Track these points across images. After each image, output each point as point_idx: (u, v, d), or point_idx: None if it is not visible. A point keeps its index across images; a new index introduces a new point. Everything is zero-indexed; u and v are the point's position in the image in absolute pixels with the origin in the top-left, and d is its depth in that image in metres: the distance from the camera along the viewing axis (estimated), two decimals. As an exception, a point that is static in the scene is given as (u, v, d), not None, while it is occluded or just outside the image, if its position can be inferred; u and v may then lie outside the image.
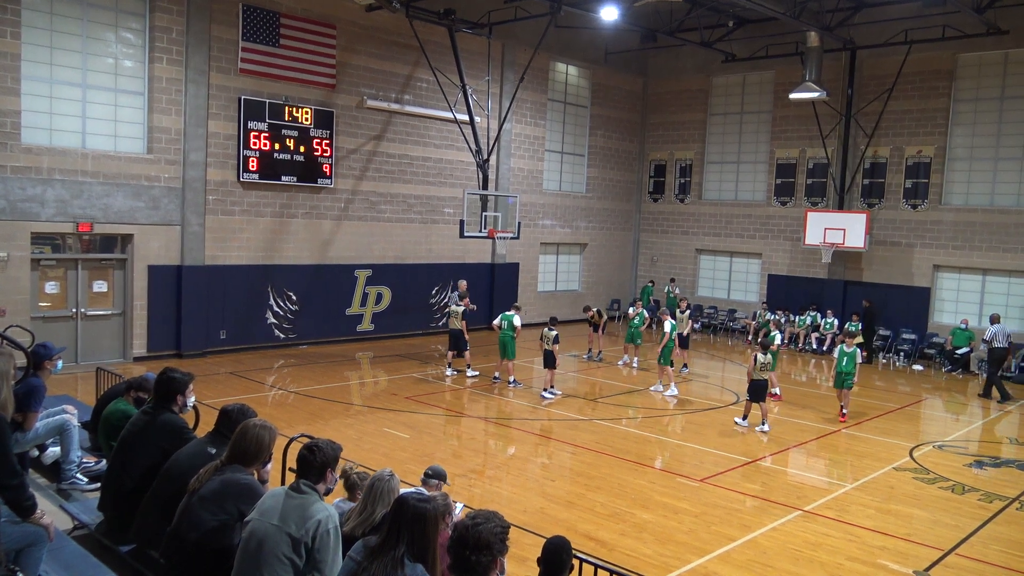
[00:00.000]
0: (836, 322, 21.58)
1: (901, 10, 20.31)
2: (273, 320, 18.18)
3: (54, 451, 7.74)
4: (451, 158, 21.43)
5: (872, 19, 21.04)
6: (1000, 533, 8.89)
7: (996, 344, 16.90)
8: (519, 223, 19.29)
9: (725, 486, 10.12)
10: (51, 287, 15.11)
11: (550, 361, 14.80)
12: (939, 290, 21.55)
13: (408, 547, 3.83)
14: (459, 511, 5.59)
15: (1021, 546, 8.54)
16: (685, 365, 17.92)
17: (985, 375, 17.03)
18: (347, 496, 5.54)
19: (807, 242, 22.56)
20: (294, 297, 18.47)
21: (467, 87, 18.87)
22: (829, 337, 21.51)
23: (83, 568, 5.41)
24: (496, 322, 15.93)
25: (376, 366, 17.52)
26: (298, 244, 18.47)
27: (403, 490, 4.45)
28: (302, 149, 18.05)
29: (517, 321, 15.63)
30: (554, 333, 14.77)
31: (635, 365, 18.31)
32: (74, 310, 15.37)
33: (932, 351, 20.64)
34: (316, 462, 4.41)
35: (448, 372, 16.38)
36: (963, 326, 19.63)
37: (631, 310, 19.07)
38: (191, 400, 6.33)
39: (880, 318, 21.38)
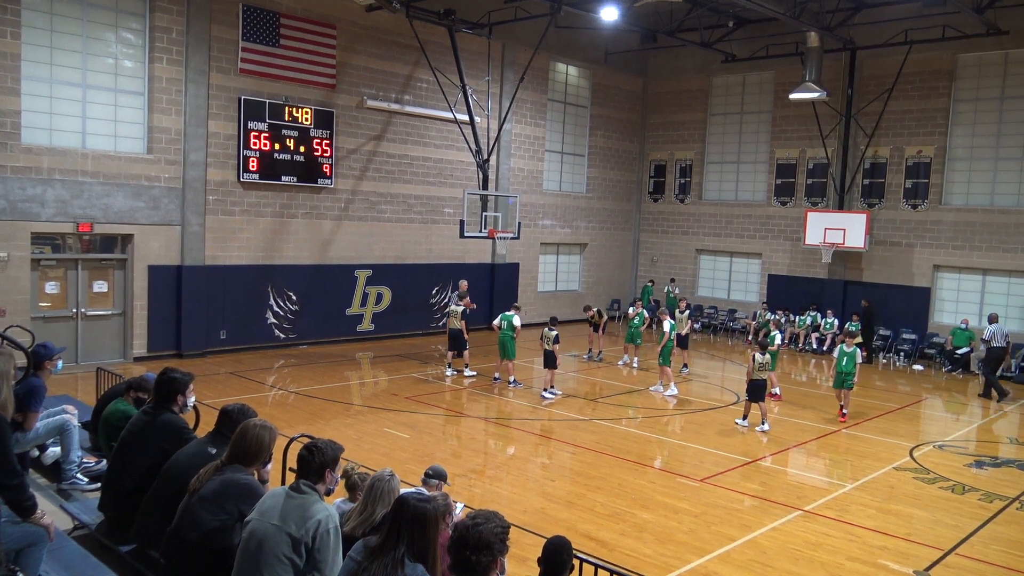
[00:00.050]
0: (836, 322, 21.58)
1: (901, 10, 20.31)
2: (273, 320, 18.18)
3: (54, 451, 7.74)
4: (451, 158, 21.43)
5: (872, 19, 21.04)
6: (1000, 533, 8.89)
7: (995, 344, 16.93)
8: (519, 223, 19.29)
9: (725, 486, 10.12)
10: (51, 287, 15.11)
11: (550, 361, 14.80)
12: (939, 290, 21.55)
13: (408, 547, 3.83)
14: (459, 511, 5.59)
15: (1021, 546, 8.54)
16: (685, 365, 17.93)
17: (991, 377, 17.01)
18: (348, 496, 5.54)
19: (807, 242, 22.57)
20: (294, 297, 18.47)
21: (467, 87, 18.87)
22: (829, 337, 21.50)
23: (83, 568, 5.41)
24: (496, 322, 15.93)
25: (376, 366, 17.52)
26: (298, 244, 18.47)
27: (403, 490, 4.45)
28: (302, 149, 18.05)
29: (517, 321, 15.63)
30: (554, 333, 14.77)
31: (635, 365, 18.31)
32: (74, 310, 15.37)
33: (932, 351, 20.64)
34: (315, 462, 4.41)
35: (448, 372, 16.38)
36: (963, 326, 19.63)
37: (631, 310, 19.07)
38: (191, 400, 6.33)
39: (879, 318, 21.38)
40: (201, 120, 16.42)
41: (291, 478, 4.70)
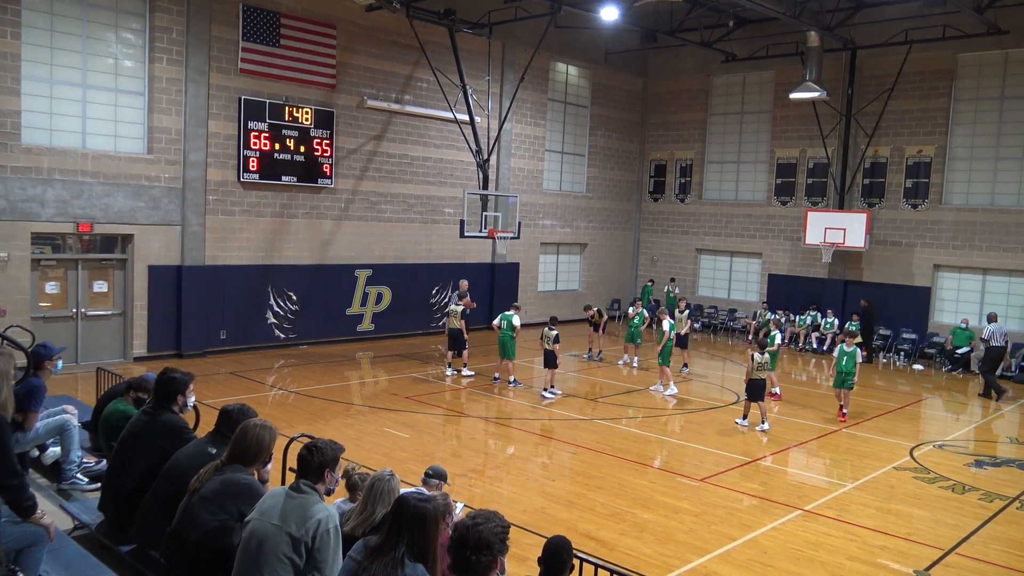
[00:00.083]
0: (836, 322, 21.58)
1: (901, 10, 20.31)
2: (273, 320, 18.18)
3: (54, 451, 7.74)
4: (451, 158, 21.43)
5: (872, 19, 21.04)
6: (1000, 533, 8.89)
7: (994, 343, 16.94)
8: (519, 223, 19.29)
9: (725, 486, 10.12)
10: (51, 287, 15.11)
11: (551, 361, 14.80)
12: (939, 290, 21.55)
13: (408, 547, 3.83)
14: (459, 511, 5.59)
15: (1021, 546, 8.54)
16: (685, 365, 17.93)
17: (988, 375, 17.02)
18: (349, 496, 5.54)
19: (807, 242, 22.57)
20: (294, 297, 18.48)
21: (467, 87, 18.87)
22: (829, 337, 21.50)
23: (83, 568, 5.41)
24: (496, 322, 15.93)
25: (376, 366, 17.52)
26: (298, 244, 18.47)
27: (403, 490, 4.45)
28: (302, 149, 18.05)
29: (516, 321, 15.64)
30: (554, 333, 14.78)
31: (635, 365, 18.31)
32: (74, 310, 15.37)
33: (932, 351, 20.64)
34: (314, 462, 4.41)
35: (448, 372, 16.38)
36: (963, 326, 19.63)
37: (631, 310, 19.07)
38: (191, 400, 6.33)
39: (879, 318, 21.38)
40: (201, 120, 16.42)
41: (291, 478, 4.70)
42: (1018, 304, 20.16)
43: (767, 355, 13.41)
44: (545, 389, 14.84)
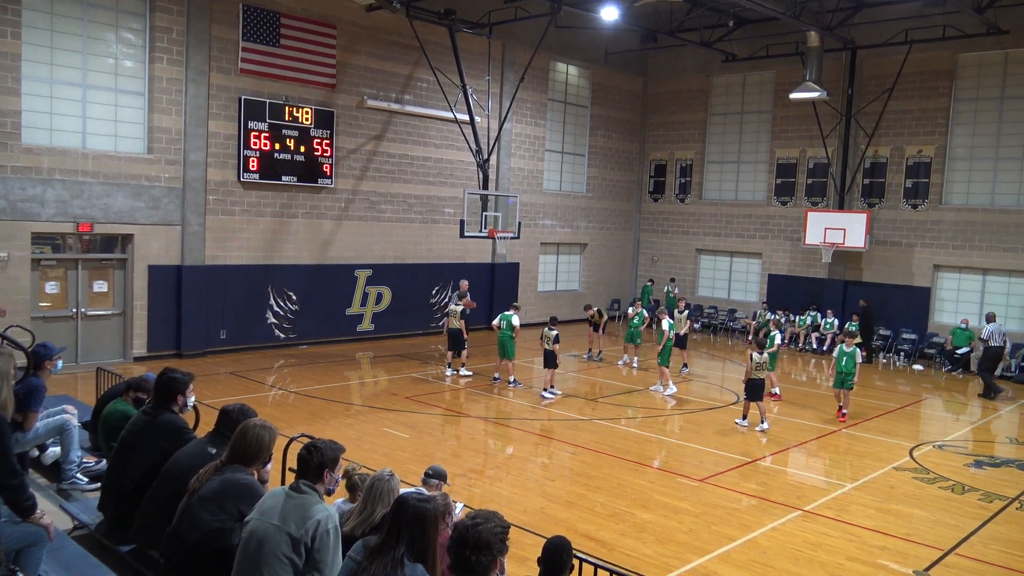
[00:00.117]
0: (836, 322, 21.58)
1: (901, 10, 20.31)
2: (273, 320, 18.18)
3: (54, 451, 7.74)
4: (451, 158, 21.43)
5: (872, 19, 21.04)
6: (1000, 533, 8.89)
7: (992, 343, 16.95)
8: (519, 223, 19.29)
9: (725, 486, 10.12)
10: (51, 287, 15.11)
11: (550, 361, 14.80)
12: (939, 290, 21.55)
13: (408, 547, 3.83)
14: (459, 511, 5.59)
15: (1021, 546, 8.54)
16: (685, 365, 17.93)
17: (985, 374, 17.03)
18: (349, 497, 5.54)
19: (807, 242, 22.57)
20: (294, 297, 18.48)
21: (467, 87, 18.87)
22: (829, 337, 21.50)
23: (83, 568, 5.41)
24: (495, 322, 15.93)
25: (376, 366, 17.52)
26: (298, 244, 18.47)
27: (403, 490, 4.45)
28: (302, 149, 18.05)
29: (516, 321, 15.64)
30: (554, 333, 14.78)
31: (635, 365, 18.31)
32: (74, 310, 15.37)
33: (932, 351, 20.64)
34: (313, 463, 4.41)
35: (448, 372, 16.38)
36: (963, 326, 19.63)
37: (631, 310, 19.08)
38: (191, 400, 6.33)
39: (878, 318, 21.39)
40: (201, 120, 16.42)
41: (291, 478, 4.70)
42: (1018, 304, 20.16)
43: (766, 355, 13.41)
44: (545, 389, 14.85)
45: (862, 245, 21.59)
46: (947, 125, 21.19)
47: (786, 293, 23.77)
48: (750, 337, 22.24)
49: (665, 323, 15.86)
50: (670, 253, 26.96)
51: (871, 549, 8.24)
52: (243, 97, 16.95)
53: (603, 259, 26.72)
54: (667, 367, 15.68)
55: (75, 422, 7.50)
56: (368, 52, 19.32)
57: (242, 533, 4.39)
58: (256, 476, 4.98)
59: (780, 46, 22.09)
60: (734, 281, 25.79)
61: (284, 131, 17.66)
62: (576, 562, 4.69)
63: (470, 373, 16.33)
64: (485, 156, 19.03)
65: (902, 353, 20.95)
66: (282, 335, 18.36)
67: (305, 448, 4.48)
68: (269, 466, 5.30)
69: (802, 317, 22.53)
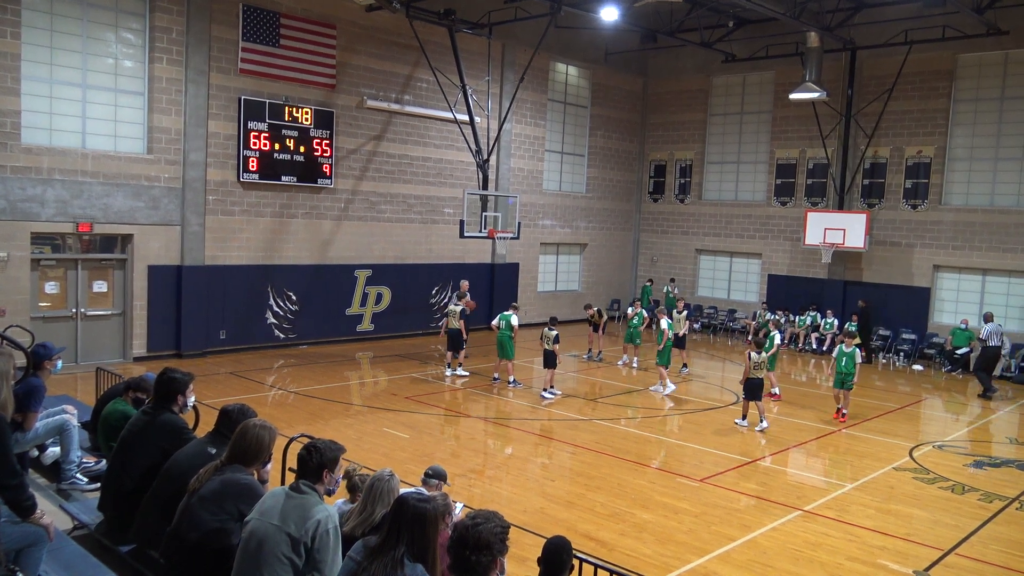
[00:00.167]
0: (836, 322, 21.58)
1: (901, 10, 20.31)
2: (273, 320, 18.18)
3: (54, 451, 7.73)
4: (451, 158, 21.43)
5: (872, 19, 21.04)
6: (1000, 533, 8.89)
7: (991, 343, 16.95)
8: (519, 223, 19.29)
9: (725, 486, 10.12)
10: (51, 287, 15.11)
11: (550, 361, 14.80)
12: (939, 290, 21.55)
13: (408, 547, 3.83)
14: (459, 511, 5.59)
15: (1021, 546, 8.54)
16: (685, 365, 17.93)
17: (982, 373, 17.04)
18: (349, 498, 5.53)
19: (807, 242, 22.57)
20: (294, 297, 18.48)
21: (467, 87, 18.87)
22: (829, 337, 21.51)
23: (83, 568, 5.41)
24: (495, 322, 15.94)
25: (376, 366, 17.52)
26: (298, 244, 18.47)
27: (403, 490, 4.45)
28: (302, 149, 18.05)
29: (515, 321, 15.65)
30: (554, 333, 14.78)
31: (635, 365, 18.31)
32: (74, 310, 15.37)
33: (932, 351, 20.64)
34: (312, 463, 4.41)
35: (448, 372, 16.38)
36: (963, 326, 19.62)
37: (630, 310, 19.08)
38: (191, 400, 6.33)
39: (878, 318, 21.39)
40: (201, 120, 16.42)
41: (291, 478, 4.70)
42: (1018, 304, 20.17)
43: (764, 354, 13.41)
44: (545, 389, 14.85)
45: (862, 245, 21.60)
46: (947, 125, 21.20)
47: (786, 293, 23.77)
48: (750, 337, 22.29)
49: (664, 322, 15.88)
50: (670, 253, 26.96)
51: (871, 549, 8.24)
52: (243, 97, 16.95)
53: (603, 259, 26.72)
54: (666, 367, 15.69)
55: (75, 422, 7.50)
56: (368, 52, 19.32)
57: (242, 533, 4.38)
58: (256, 476, 4.98)
59: (780, 46, 22.09)
60: (734, 281, 25.79)
61: (284, 131, 17.66)
62: (576, 562, 4.68)
63: (466, 373, 16.33)
64: (485, 156, 19.03)
65: (902, 353, 20.96)
66: (282, 335, 18.36)
67: (305, 448, 4.48)
68: (269, 466, 5.30)
69: (802, 317, 22.53)
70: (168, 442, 5.77)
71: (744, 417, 13.37)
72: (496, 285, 22.62)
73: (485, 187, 18.85)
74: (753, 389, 13.10)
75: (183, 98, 16.16)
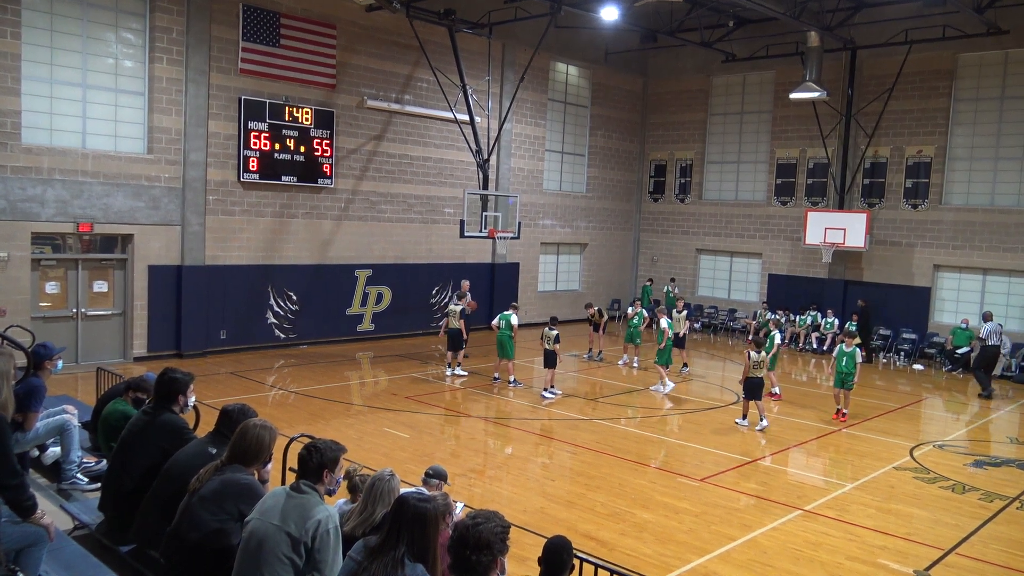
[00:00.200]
0: (836, 322, 21.58)
1: (901, 10, 20.31)
2: (273, 320, 18.18)
3: (54, 451, 7.74)
4: (451, 158, 21.43)
5: (872, 19, 21.04)
6: (1000, 533, 8.89)
7: (990, 342, 16.96)
8: (519, 223, 19.29)
9: (725, 486, 10.12)
10: (51, 287, 15.11)
11: (551, 361, 14.81)
12: (939, 290, 21.55)
13: (408, 547, 3.83)
14: (459, 511, 5.59)
15: (1021, 546, 8.54)
16: (685, 364, 17.94)
17: (980, 372, 17.04)
18: (350, 498, 5.53)
19: (807, 242, 22.57)
20: (294, 297, 18.48)
21: (467, 87, 18.87)
22: (829, 337, 21.51)
23: (83, 568, 5.41)
24: (495, 322, 15.95)
25: (376, 366, 17.52)
26: (298, 244, 18.47)
27: (403, 490, 4.45)
28: (302, 149, 18.05)
29: (515, 320, 15.66)
30: (555, 333, 14.78)
31: (635, 365, 18.31)
32: (74, 310, 15.37)
33: (932, 351, 20.65)
34: (313, 463, 4.40)
35: (448, 372, 16.38)
36: (963, 326, 19.63)
37: (630, 310, 19.08)
38: (191, 400, 6.33)
39: (879, 317, 21.39)
40: (201, 120, 16.42)
41: (291, 478, 4.70)
42: (1018, 304, 20.16)
43: (763, 353, 13.41)
44: (545, 389, 14.85)
45: (862, 245, 21.59)
46: (947, 125, 21.19)
47: (786, 293, 23.77)
48: (750, 337, 22.29)
49: (664, 322, 15.89)
50: (670, 253, 26.96)
51: (871, 549, 8.24)
52: (243, 97, 16.95)
53: (603, 259, 26.72)
54: (666, 366, 15.70)
55: (75, 422, 7.50)
56: (368, 52, 19.32)
57: (242, 533, 4.38)
58: (256, 476, 4.98)
59: (780, 46, 22.09)
60: (734, 281, 25.79)
61: (284, 131, 17.66)
62: (576, 562, 4.68)
63: (464, 373, 16.33)
64: (485, 156, 19.03)
65: (902, 353, 20.96)
66: (282, 335, 18.36)
67: (305, 448, 4.48)
68: (269, 466, 5.30)
69: (802, 317, 22.53)
70: (168, 442, 5.76)
71: (744, 417, 13.36)
72: (496, 285, 22.62)
73: (485, 187, 18.85)
74: (753, 388, 13.10)
75: (183, 98, 16.17)
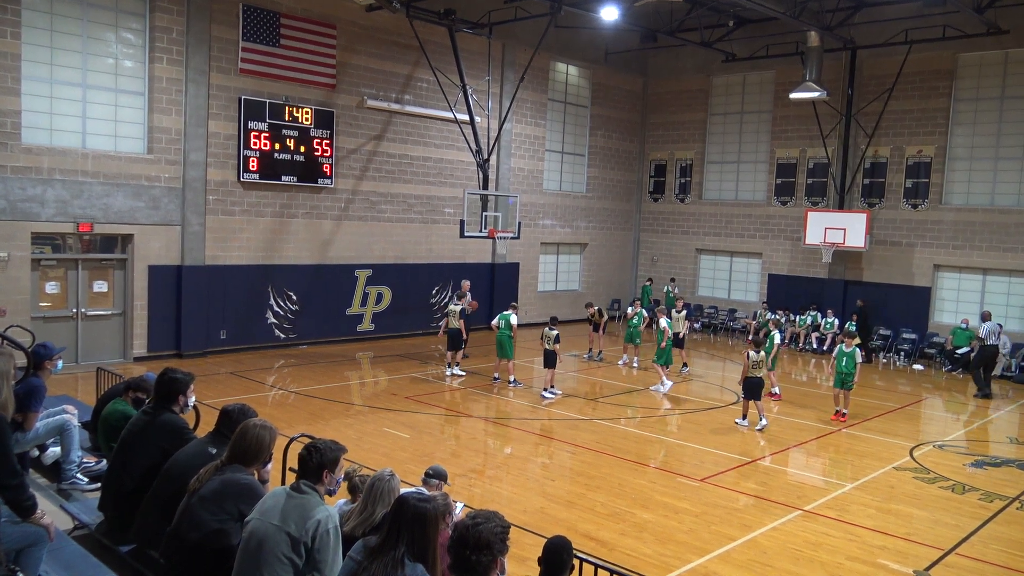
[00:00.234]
0: (836, 322, 21.58)
1: (901, 10, 20.31)
2: (273, 320, 18.18)
3: (54, 451, 7.74)
4: (451, 158, 21.43)
5: (872, 19, 21.04)
6: (1000, 533, 8.89)
7: (989, 342, 16.96)
8: (519, 223, 19.29)
9: (725, 486, 10.12)
10: (51, 287, 15.11)
11: (551, 361, 14.81)
12: (939, 290, 21.55)
13: (408, 547, 3.83)
14: (459, 511, 5.59)
15: (1021, 546, 8.54)
16: (685, 364, 17.94)
17: (978, 372, 17.04)
18: (351, 499, 5.53)
19: (807, 242, 22.57)
20: (294, 297, 18.48)
21: (467, 87, 18.87)
22: (829, 337, 21.51)
23: (83, 568, 5.41)
24: (494, 322, 15.95)
25: (376, 366, 17.52)
26: (298, 244, 18.47)
27: (403, 490, 4.45)
28: (302, 149, 18.05)
29: (514, 320, 15.66)
30: (555, 333, 14.78)
31: (635, 365, 18.32)
32: (74, 310, 15.37)
33: (932, 351, 20.65)
34: (312, 463, 4.40)
35: (448, 372, 16.38)
36: (963, 326, 19.63)
37: (630, 310, 19.08)
38: (192, 400, 6.33)
39: (878, 317, 21.39)
40: (201, 120, 16.42)
41: (291, 478, 4.71)
42: (1018, 304, 20.16)
43: (762, 353, 13.41)
44: (545, 389, 14.85)
45: (862, 245, 21.60)
46: (947, 125, 21.20)
47: (786, 293, 23.77)
48: (750, 337, 22.28)
49: (663, 322, 15.89)
50: (670, 253, 26.96)
51: (871, 549, 8.24)
52: (243, 97, 16.95)
53: (603, 259, 26.72)
54: (664, 366, 15.70)
55: (75, 422, 7.50)
56: (368, 52, 19.32)
57: (242, 533, 4.38)
58: (256, 476, 4.98)
59: (780, 46, 22.09)
60: (734, 281, 25.79)
61: (284, 131, 17.66)
62: (576, 562, 4.68)
63: (463, 373, 16.33)
64: (485, 156, 19.03)
65: (902, 353, 20.96)
66: (282, 335, 18.36)
67: (305, 448, 4.48)
68: (269, 466, 5.30)
69: (802, 317, 22.53)
70: (168, 442, 5.76)
71: (744, 416, 13.37)
72: (496, 285, 22.62)
73: (485, 187, 18.85)
74: (752, 388, 13.10)
75: (183, 98, 16.17)
